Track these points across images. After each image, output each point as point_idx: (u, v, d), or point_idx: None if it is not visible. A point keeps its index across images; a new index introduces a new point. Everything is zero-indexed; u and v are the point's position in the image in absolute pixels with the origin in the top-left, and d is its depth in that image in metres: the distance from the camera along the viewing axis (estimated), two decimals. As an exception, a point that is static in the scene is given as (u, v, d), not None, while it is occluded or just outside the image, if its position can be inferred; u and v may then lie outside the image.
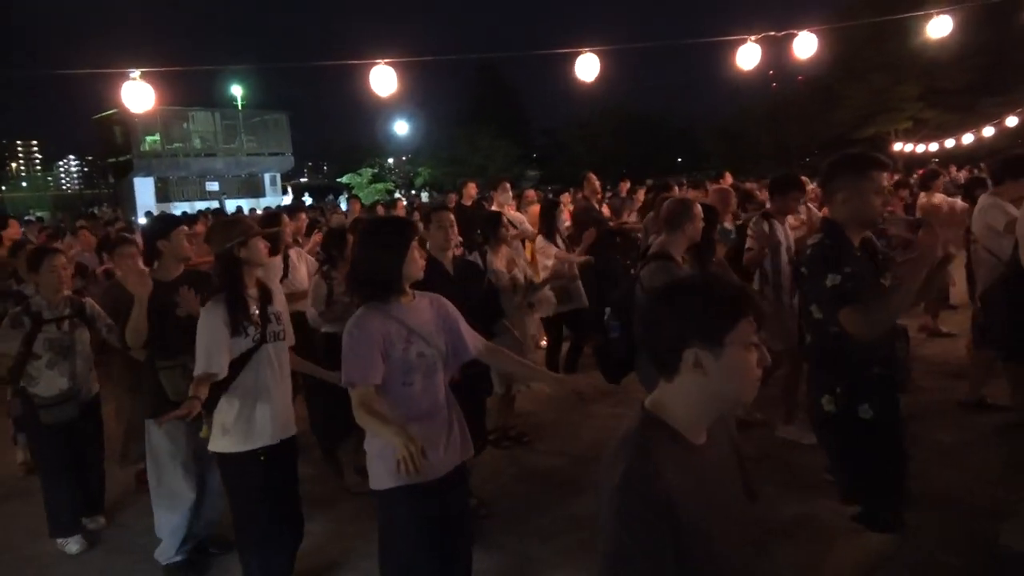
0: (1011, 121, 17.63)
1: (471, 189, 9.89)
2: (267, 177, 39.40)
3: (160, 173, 35.22)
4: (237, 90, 41.70)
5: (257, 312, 3.10)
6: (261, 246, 3.16)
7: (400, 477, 2.25)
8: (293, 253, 5.40)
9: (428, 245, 3.96)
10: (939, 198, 7.54)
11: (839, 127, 37.10)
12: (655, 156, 50.67)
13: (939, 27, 8.16)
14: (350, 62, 7.61)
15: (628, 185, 10.35)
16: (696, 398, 1.52)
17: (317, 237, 6.55)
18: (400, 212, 11.10)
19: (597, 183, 8.29)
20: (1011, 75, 27.64)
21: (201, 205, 25.86)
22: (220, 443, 3.08)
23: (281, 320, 3.21)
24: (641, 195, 8.48)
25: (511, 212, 7.60)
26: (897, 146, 30.75)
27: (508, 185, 8.01)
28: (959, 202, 7.35)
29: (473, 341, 2.76)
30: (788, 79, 42.76)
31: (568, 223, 7.26)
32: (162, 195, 34.80)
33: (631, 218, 7.49)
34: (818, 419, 2.70)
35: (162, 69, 7.14)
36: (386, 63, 7.15)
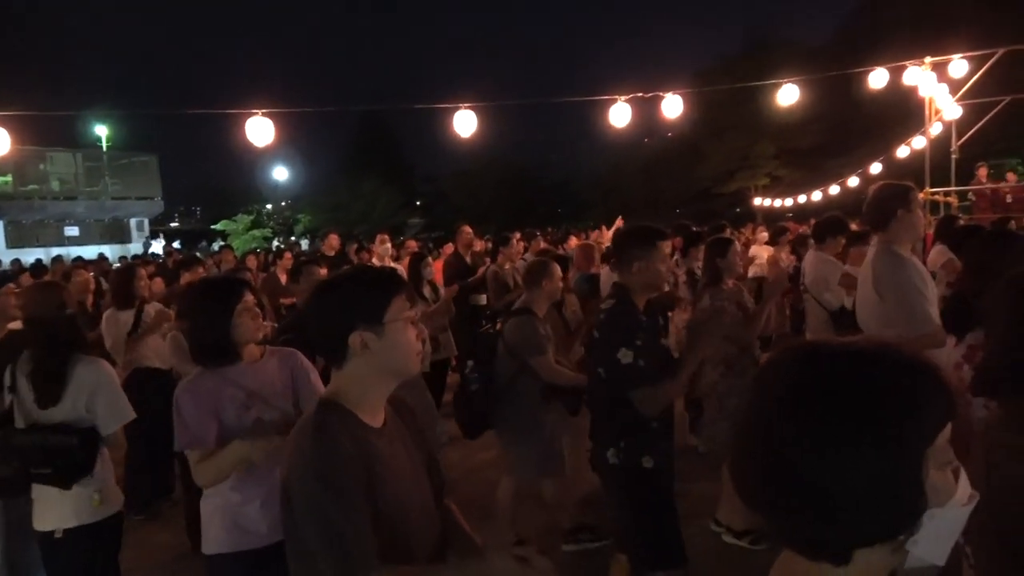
0: (853, 181, 19.42)
1: (333, 240, 9.79)
2: (133, 222, 37.26)
3: (11, 216, 32.62)
4: (102, 130, 39.56)
5: None
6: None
7: (232, 543, 2.24)
8: (150, 308, 5.15)
9: (297, 299, 3.95)
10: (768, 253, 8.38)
11: (705, 182, 39.52)
12: (537, 206, 51.95)
13: (787, 94, 9.00)
14: (226, 111, 7.47)
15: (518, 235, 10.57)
16: (367, 378, 1.65)
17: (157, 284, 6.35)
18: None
19: (470, 235, 8.39)
20: (851, 139, 30.52)
21: (59, 251, 24.13)
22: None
23: None
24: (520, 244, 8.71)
25: (391, 264, 7.62)
26: (757, 200, 33.06)
27: (386, 236, 8.02)
28: (784, 256, 8.10)
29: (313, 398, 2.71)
30: (659, 135, 45.30)
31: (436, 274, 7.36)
32: (14, 240, 32.19)
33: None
34: (604, 470, 2.91)
35: (17, 113, 6.75)
36: (263, 114, 7.07)
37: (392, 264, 7.63)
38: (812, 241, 5.85)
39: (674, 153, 42.68)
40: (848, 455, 0.83)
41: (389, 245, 8.00)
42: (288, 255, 11.65)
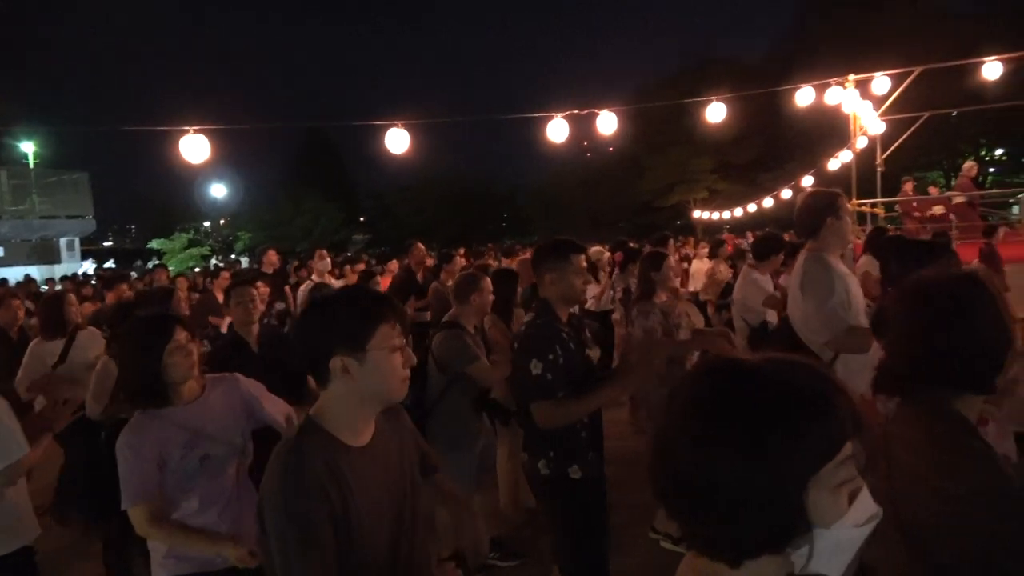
0: (786, 193, 20.04)
1: (271, 257, 9.61)
2: (63, 242, 35.89)
3: (-71, 236, 31.13)
4: (28, 147, 38.10)
5: None
6: None
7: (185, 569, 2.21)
8: (84, 334, 4.74)
9: (233, 322, 3.85)
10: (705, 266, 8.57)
11: (646, 195, 40.24)
12: (481, 221, 52.08)
13: (715, 112, 9.23)
14: (160, 128, 7.29)
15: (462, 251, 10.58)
16: (349, 401, 1.65)
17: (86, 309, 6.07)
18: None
19: (423, 252, 8.38)
20: (784, 153, 31.57)
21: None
22: None
23: None
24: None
25: (331, 280, 7.52)
26: (696, 213, 33.82)
27: (324, 253, 7.89)
28: (722, 269, 8.30)
29: (276, 416, 2.67)
30: (601, 150, 45.97)
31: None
32: (-69, 261, 30.71)
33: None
34: (536, 481, 2.92)
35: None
36: (196, 131, 6.91)
37: (332, 281, 7.53)
38: (751, 257, 6.00)
39: (615, 168, 43.39)
40: (731, 468, 0.89)
41: (328, 261, 7.86)
42: (226, 274, 11.38)
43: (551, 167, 47.38)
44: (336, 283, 7.51)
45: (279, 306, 7.09)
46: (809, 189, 3.68)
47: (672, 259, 4.91)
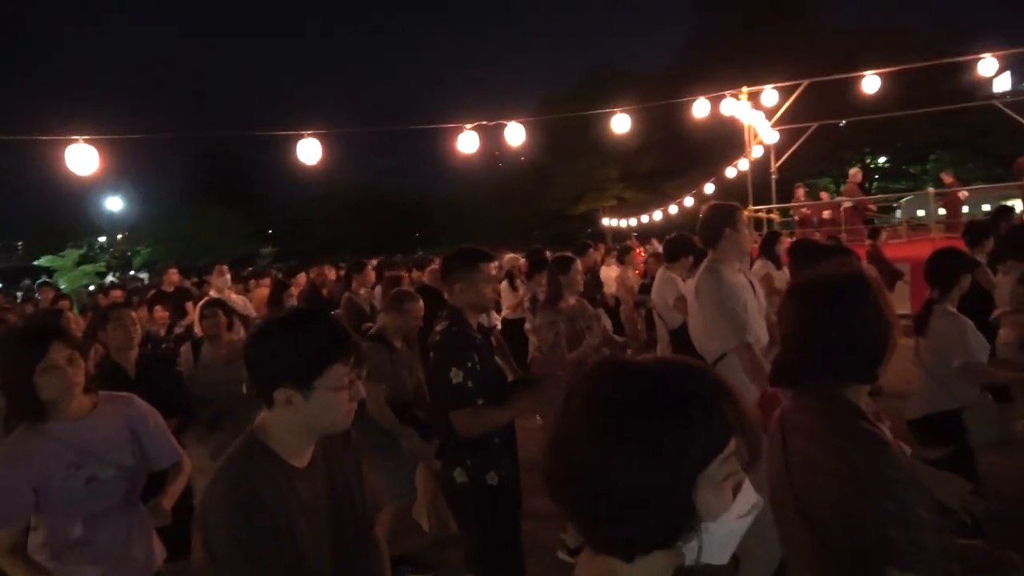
0: (689, 201, 20.79)
1: (172, 275, 9.22)
2: (-60, 261, 33.43)
3: None
4: None
5: None
6: None
7: None
8: None
9: (110, 346, 3.64)
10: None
11: (557, 204, 40.85)
12: (393, 232, 51.52)
13: (620, 123, 9.50)
14: (45, 138, 6.89)
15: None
16: (291, 428, 1.62)
17: None
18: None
19: (324, 274, 8.22)
20: (685, 162, 32.67)
21: None
22: None
23: None
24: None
25: (232, 296, 7.23)
26: (606, 221, 34.60)
27: (224, 268, 7.58)
28: (631, 275, 8.58)
29: (160, 459, 2.51)
30: (512, 160, 46.39)
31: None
32: None
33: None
34: (451, 490, 2.92)
35: None
36: (86, 140, 6.58)
37: (233, 297, 7.26)
38: (664, 260, 6.19)
39: (526, 177, 43.81)
40: (626, 466, 0.93)
41: (228, 277, 7.53)
42: (118, 292, 10.82)
43: (463, 177, 47.34)
44: (237, 299, 7.23)
45: (178, 330, 6.79)
46: (711, 202, 3.83)
47: (579, 263, 4.95)
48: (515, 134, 8.89)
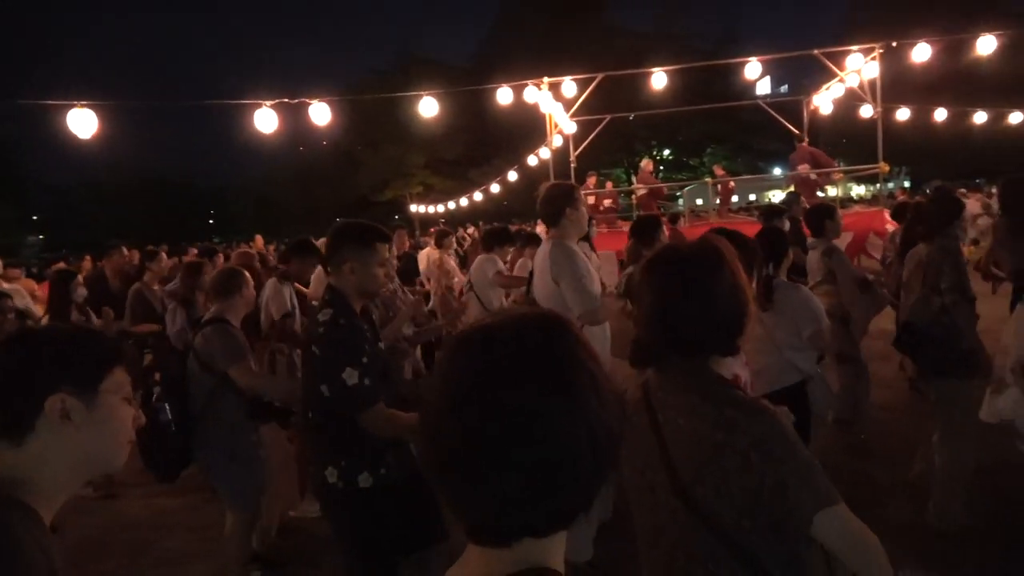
0: (494, 188, 21.33)
1: None
2: None
3: None
4: None
5: None
6: None
7: None
8: None
9: None
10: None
11: (362, 189, 40.12)
12: (184, 219, 47.93)
13: (428, 107, 9.56)
14: None
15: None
16: (55, 463, 1.25)
17: None
18: None
19: (124, 258, 7.48)
20: (490, 150, 33.50)
21: None
22: None
23: None
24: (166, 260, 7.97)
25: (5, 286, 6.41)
26: (413, 207, 34.55)
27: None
28: (446, 258, 8.76)
29: None
30: (314, 144, 44.82)
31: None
32: None
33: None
34: (323, 491, 2.68)
35: None
36: None
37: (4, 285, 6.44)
38: (481, 248, 6.44)
39: (330, 162, 42.67)
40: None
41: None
42: None
43: (262, 161, 45.21)
44: (15, 288, 6.42)
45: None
46: (550, 182, 4.03)
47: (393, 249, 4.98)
48: (320, 113, 8.63)
